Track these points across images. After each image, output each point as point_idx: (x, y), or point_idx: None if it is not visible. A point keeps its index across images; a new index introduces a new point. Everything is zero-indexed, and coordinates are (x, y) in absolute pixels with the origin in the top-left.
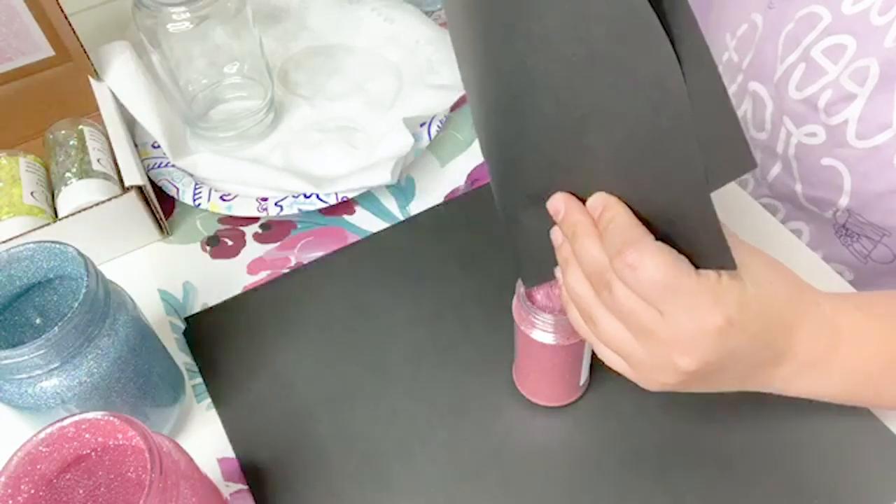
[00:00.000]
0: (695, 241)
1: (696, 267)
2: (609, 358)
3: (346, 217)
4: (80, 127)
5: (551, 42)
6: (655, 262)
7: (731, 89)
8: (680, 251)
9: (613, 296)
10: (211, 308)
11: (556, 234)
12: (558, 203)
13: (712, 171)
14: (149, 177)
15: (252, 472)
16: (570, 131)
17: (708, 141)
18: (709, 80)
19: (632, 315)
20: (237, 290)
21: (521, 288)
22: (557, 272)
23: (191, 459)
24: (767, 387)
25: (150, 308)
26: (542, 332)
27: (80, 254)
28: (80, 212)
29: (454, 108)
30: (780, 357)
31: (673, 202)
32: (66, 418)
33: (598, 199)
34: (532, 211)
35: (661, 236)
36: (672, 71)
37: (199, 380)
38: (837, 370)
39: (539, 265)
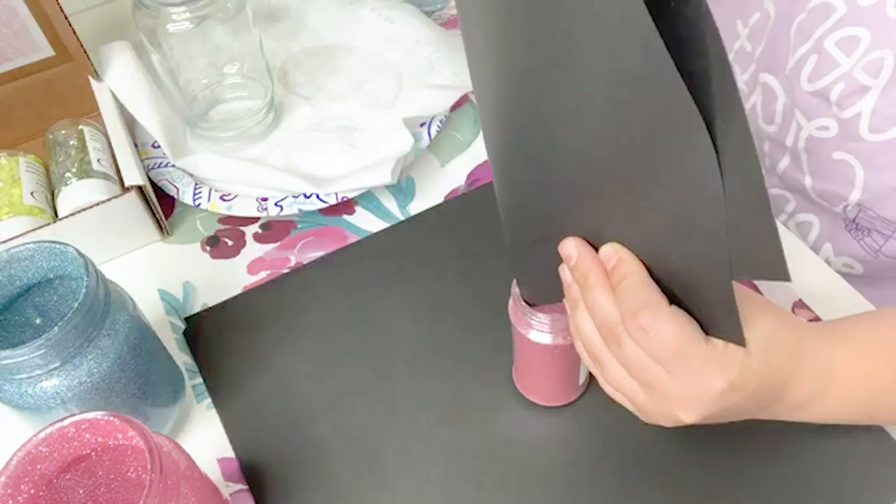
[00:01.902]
0: (708, 310)
1: (705, 331)
2: (612, 393)
3: (346, 217)
4: (80, 127)
5: (585, 117)
6: (668, 328)
7: (743, 78)
8: (689, 312)
9: (622, 350)
10: (211, 308)
11: (565, 273)
12: (570, 249)
13: (739, 264)
14: (149, 177)
15: (252, 472)
16: (591, 189)
17: (740, 238)
18: (751, 184)
19: (638, 369)
20: (237, 290)
21: (516, 288)
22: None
23: (191, 459)
24: (761, 418)
25: (150, 308)
26: (538, 332)
27: (80, 254)
28: (80, 212)
29: (454, 108)
30: (776, 401)
31: (690, 272)
32: (66, 418)
33: (610, 251)
34: (542, 245)
35: (672, 296)
36: (711, 172)
37: (199, 380)
38: (829, 405)
39: (543, 291)
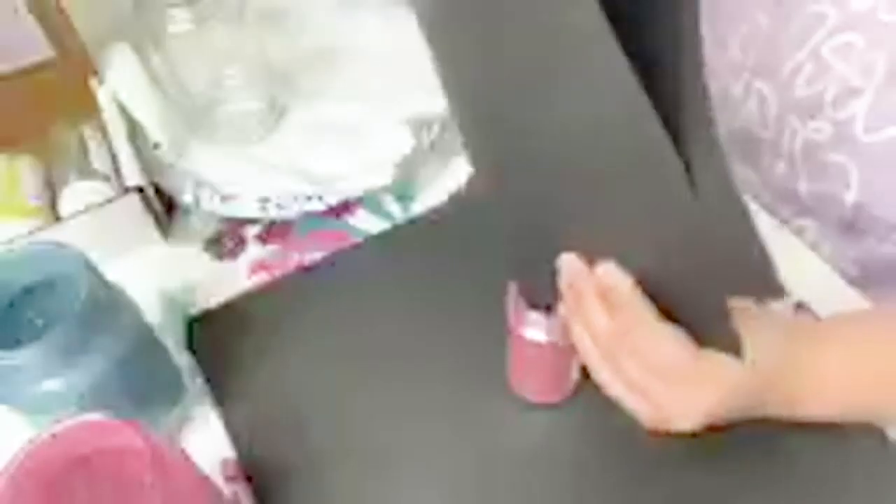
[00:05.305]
0: (702, 324)
1: (700, 343)
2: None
3: (346, 218)
4: (81, 127)
5: (568, 153)
6: (665, 349)
7: (737, 88)
8: (684, 326)
9: (619, 366)
10: (211, 308)
11: (563, 284)
12: (566, 266)
13: (735, 287)
14: (149, 177)
15: (252, 472)
16: (581, 212)
17: (733, 269)
18: (736, 226)
19: (635, 384)
20: (237, 291)
21: (514, 285)
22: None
23: (191, 459)
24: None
25: (150, 308)
26: (534, 330)
27: (80, 254)
28: (80, 212)
29: None
30: (767, 402)
31: (683, 288)
32: (66, 419)
33: (605, 271)
34: (539, 256)
35: (665, 310)
36: (690, 209)
37: (199, 380)
38: (818, 404)
39: (542, 294)
